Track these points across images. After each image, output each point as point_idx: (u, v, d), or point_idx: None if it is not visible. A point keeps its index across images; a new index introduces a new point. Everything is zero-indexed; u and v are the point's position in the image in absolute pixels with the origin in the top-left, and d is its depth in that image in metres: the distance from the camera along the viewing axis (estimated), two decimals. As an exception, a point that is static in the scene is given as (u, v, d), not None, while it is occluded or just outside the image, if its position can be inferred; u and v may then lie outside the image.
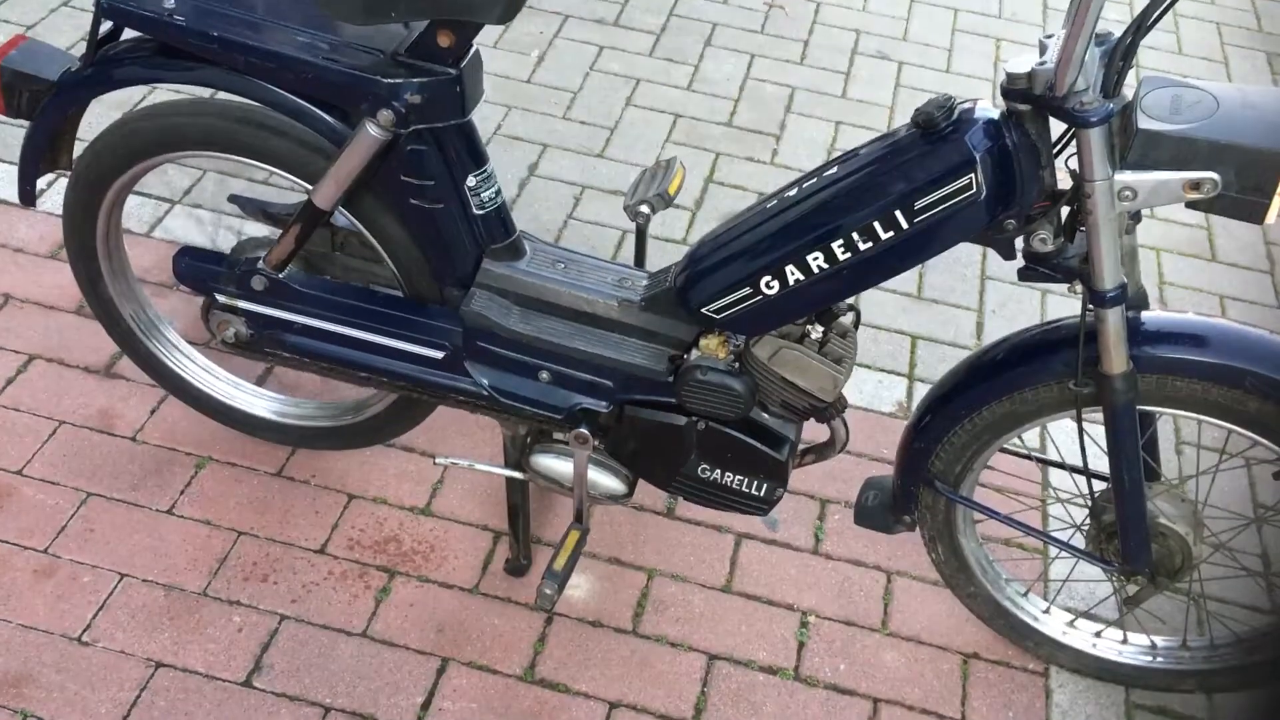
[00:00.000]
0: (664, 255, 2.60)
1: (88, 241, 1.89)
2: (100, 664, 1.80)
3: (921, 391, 2.40)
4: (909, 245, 1.50)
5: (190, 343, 2.07)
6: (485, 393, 1.76)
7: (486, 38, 3.20)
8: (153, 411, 2.16)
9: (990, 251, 2.65)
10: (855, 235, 1.50)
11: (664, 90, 3.13)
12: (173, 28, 1.59)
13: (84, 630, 1.84)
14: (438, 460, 1.91)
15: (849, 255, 1.52)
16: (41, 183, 1.87)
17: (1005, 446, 1.77)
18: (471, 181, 1.67)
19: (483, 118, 2.94)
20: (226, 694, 1.79)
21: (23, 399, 2.15)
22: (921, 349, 2.50)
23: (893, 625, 2.00)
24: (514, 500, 1.94)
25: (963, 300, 2.61)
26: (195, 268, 1.82)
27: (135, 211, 2.53)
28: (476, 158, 1.67)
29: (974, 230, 1.50)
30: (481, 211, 1.69)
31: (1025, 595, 1.94)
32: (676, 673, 1.90)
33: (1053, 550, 2.07)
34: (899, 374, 2.44)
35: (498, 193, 1.72)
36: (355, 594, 1.94)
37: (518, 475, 1.89)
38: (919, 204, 1.46)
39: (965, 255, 2.66)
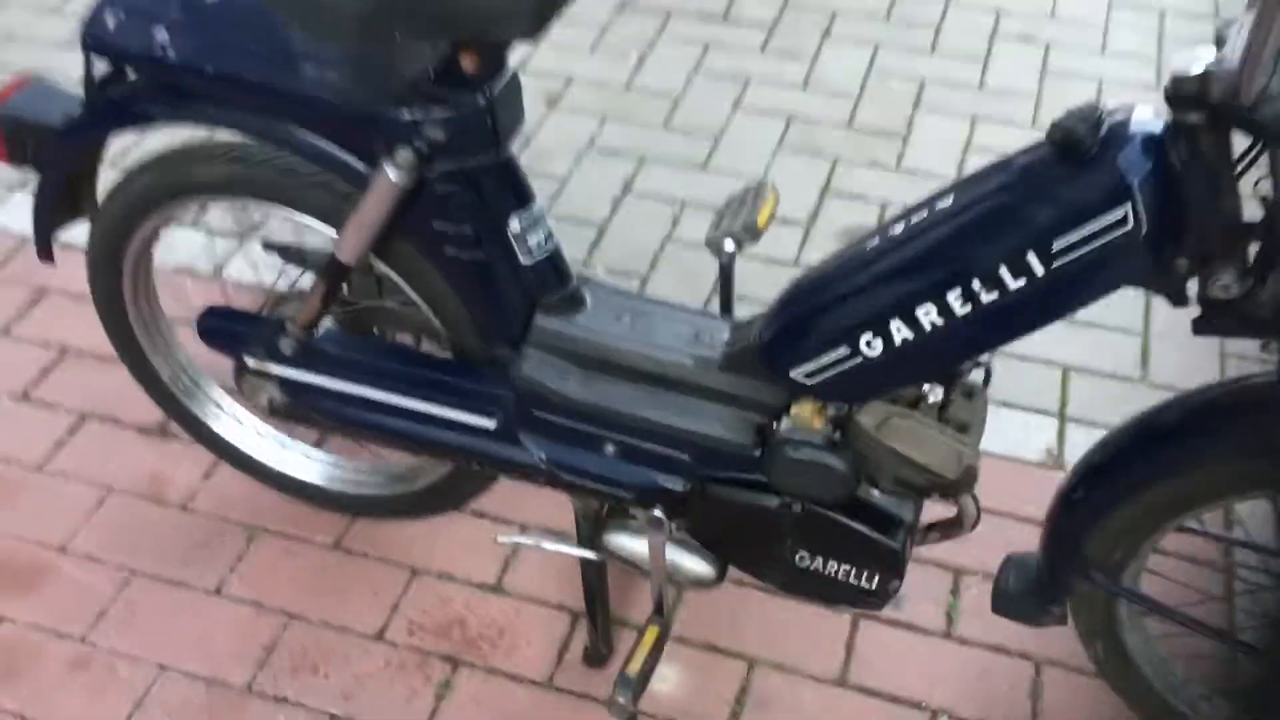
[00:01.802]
0: (769, 284, 2.30)
1: (114, 296, 1.71)
2: (132, 773, 1.62)
3: (1075, 436, 2.05)
4: (1046, 296, 1.19)
5: (234, 399, 1.87)
6: (543, 467, 1.51)
7: (583, 41, 2.96)
8: (206, 476, 1.98)
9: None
10: (976, 284, 1.20)
11: (776, 90, 2.82)
12: (162, 65, 1.39)
13: (117, 733, 1.66)
14: (500, 539, 1.67)
15: (969, 309, 1.21)
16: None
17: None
18: (515, 226, 1.42)
19: (573, 133, 2.69)
20: (266, 810, 1.59)
21: (71, 464, 2.00)
22: (1075, 382, 2.14)
23: (1042, 728, 1.68)
24: (590, 581, 1.69)
25: (1123, 323, 2.24)
26: (221, 328, 1.62)
27: (203, 250, 2.36)
28: (520, 197, 1.42)
29: (1132, 275, 1.19)
30: (530, 260, 1.44)
31: (1208, 700, 1.58)
32: (780, 788, 1.62)
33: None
34: (1048, 414, 2.09)
35: (549, 237, 1.46)
36: (414, 689, 1.71)
37: (590, 555, 1.63)
38: (1058, 245, 1.15)
39: (1126, 269, 2.28)
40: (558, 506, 1.89)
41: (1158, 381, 2.13)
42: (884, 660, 1.75)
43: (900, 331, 1.25)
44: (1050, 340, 2.19)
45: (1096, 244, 1.13)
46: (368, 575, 1.85)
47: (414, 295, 1.50)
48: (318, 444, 1.92)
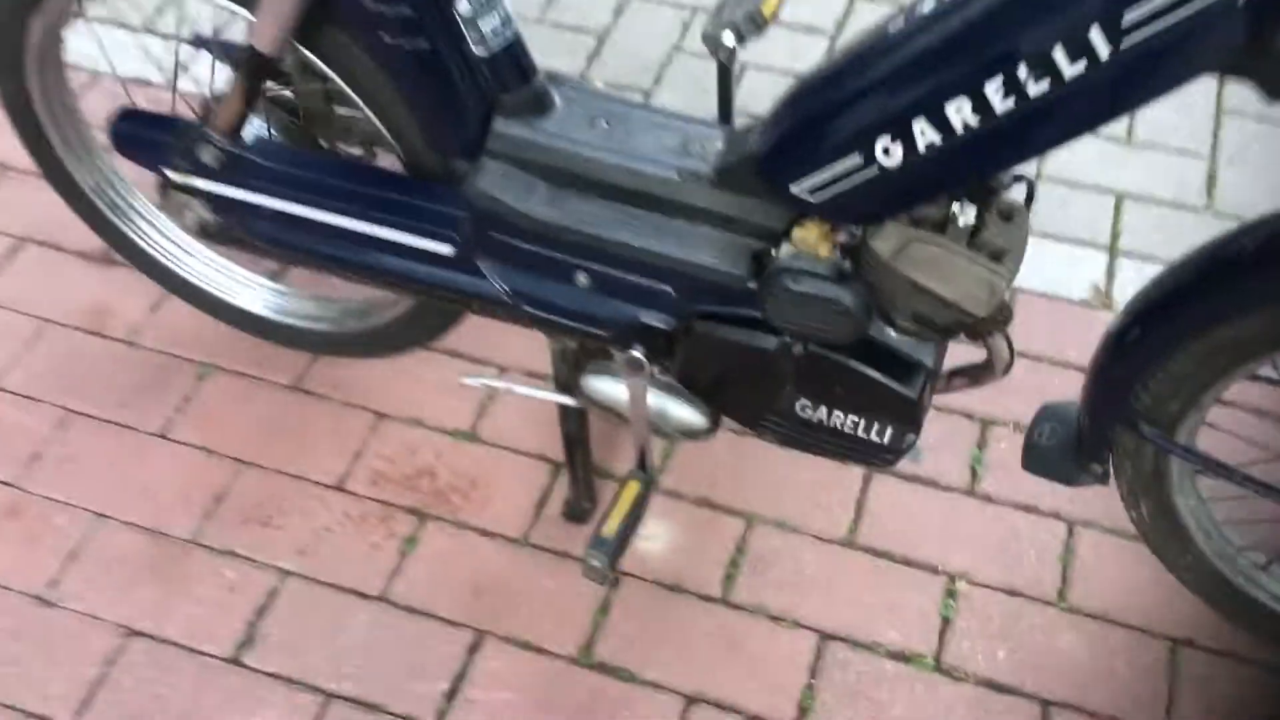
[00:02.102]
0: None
1: (21, 96, 1.49)
2: (64, 630, 1.47)
3: (1127, 271, 1.81)
4: (1108, 84, 0.94)
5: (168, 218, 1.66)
6: (505, 299, 1.30)
7: None
8: (154, 308, 1.79)
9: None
10: (1023, 71, 0.95)
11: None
12: None
13: (49, 586, 1.51)
14: (466, 380, 1.48)
15: (1013, 103, 0.97)
16: None
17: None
18: (463, 6, 1.17)
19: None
20: (207, 673, 1.44)
21: (6, 293, 1.82)
22: (1129, 211, 1.90)
23: (1074, 596, 1.50)
24: (570, 429, 1.50)
25: (1188, 143, 1.98)
26: (137, 135, 1.40)
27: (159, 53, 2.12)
28: (468, -30, 1.17)
29: (1219, 57, 0.93)
30: (484, 49, 1.20)
31: (1266, 569, 1.39)
32: (777, 657, 1.45)
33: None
34: (1096, 247, 1.85)
35: (507, 22, 1.22)
36: (376, 544, 1.55)
37: (567, 401, 1.44)
38: (1130, 17, 0.90)
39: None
40: (542, 346, 1.69)
41: (1225, 211, 1.88)
42: (897, 519, 1.57)
43: (925, 134, 1.02)
44: (1101, 161, 1.95)
45: (1180, 14, 0.88)
46: (329, 419, 1.67)
47: (352, 94, 1.28)
48: (275, 274, 1.72)
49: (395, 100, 1.24)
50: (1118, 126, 1.98)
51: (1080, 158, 1.94)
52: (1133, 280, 1.79)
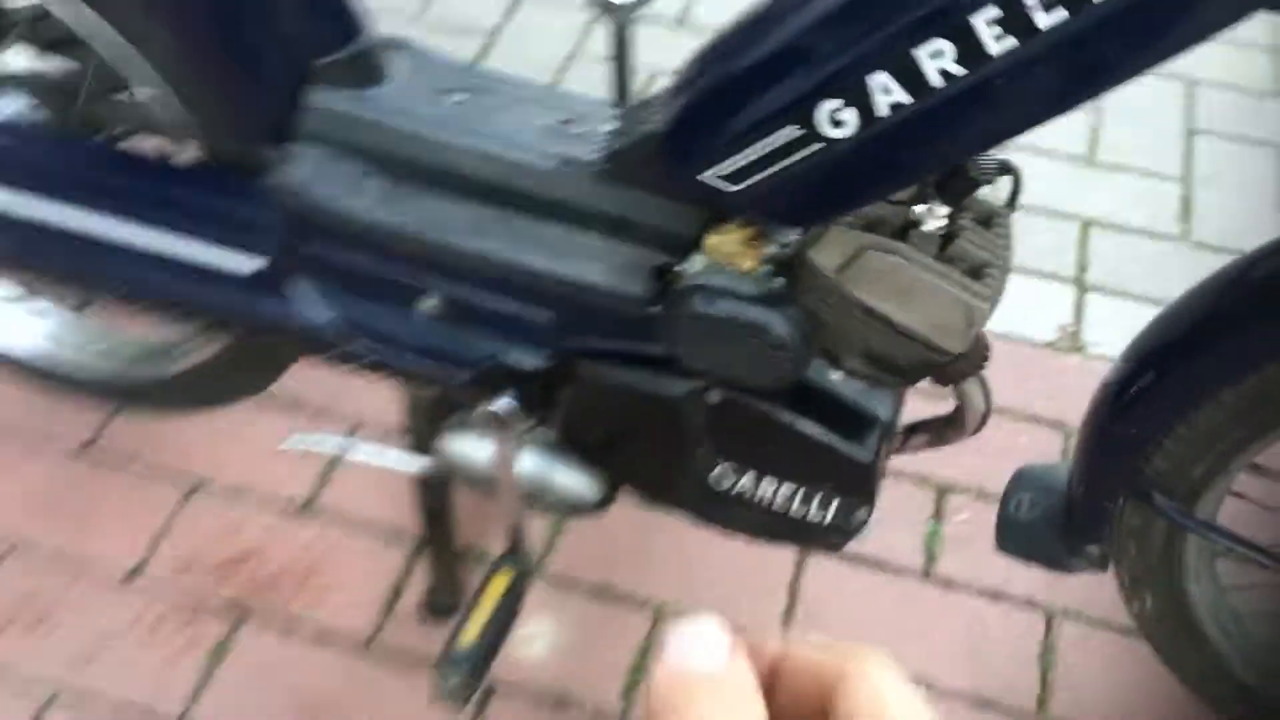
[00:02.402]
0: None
1: None
2: None
3: (1097, 308, 1.55)
4: (1146, 13, 0.67)
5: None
6: (328, 332, 0.99)
7: None
8: (-87, 349, 1.44)
9: (1199, 92, 1.79)
10: (1018, 5, 0.67)
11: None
12: None
13: None
14: (286, 444, 1.16)
15: (1013, 44, 0.69)
16: None
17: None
18: (257, -69, 0.87)
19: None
20: (-68, 834, 1.08)
21: None
22: (1097, 239, 1.64)
23: (1056, 707, 1.20)
24: (430, 502, 1.18)
25: (1159, 164, 1.73)
26: None
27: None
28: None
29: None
30: (290, -8, 0.89)
31: (1298, 673, 1.12)
32: (690, 793, 1.13)
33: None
34: (1061, 280, 1.59)
35: (324, -41, 0.91)
36: (176, 651, 1.20)
37: (422, 467, 1.12)
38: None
39: (1161, 96, 1.76)
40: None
41: (1204, 240, 1.63)
42: (839, 609, 1.27)
43: (889, 94, 0.73)
44: (1064, 184, 1.70)
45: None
46: (126, 490, 1.33)
47: (126, 52, 0.96)
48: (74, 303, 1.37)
49: (173, 61, 0.93)
50: (1078, 144, 1.73)
51: (1039, 176, 1.68)
52: (1105, 319, 1.53)
